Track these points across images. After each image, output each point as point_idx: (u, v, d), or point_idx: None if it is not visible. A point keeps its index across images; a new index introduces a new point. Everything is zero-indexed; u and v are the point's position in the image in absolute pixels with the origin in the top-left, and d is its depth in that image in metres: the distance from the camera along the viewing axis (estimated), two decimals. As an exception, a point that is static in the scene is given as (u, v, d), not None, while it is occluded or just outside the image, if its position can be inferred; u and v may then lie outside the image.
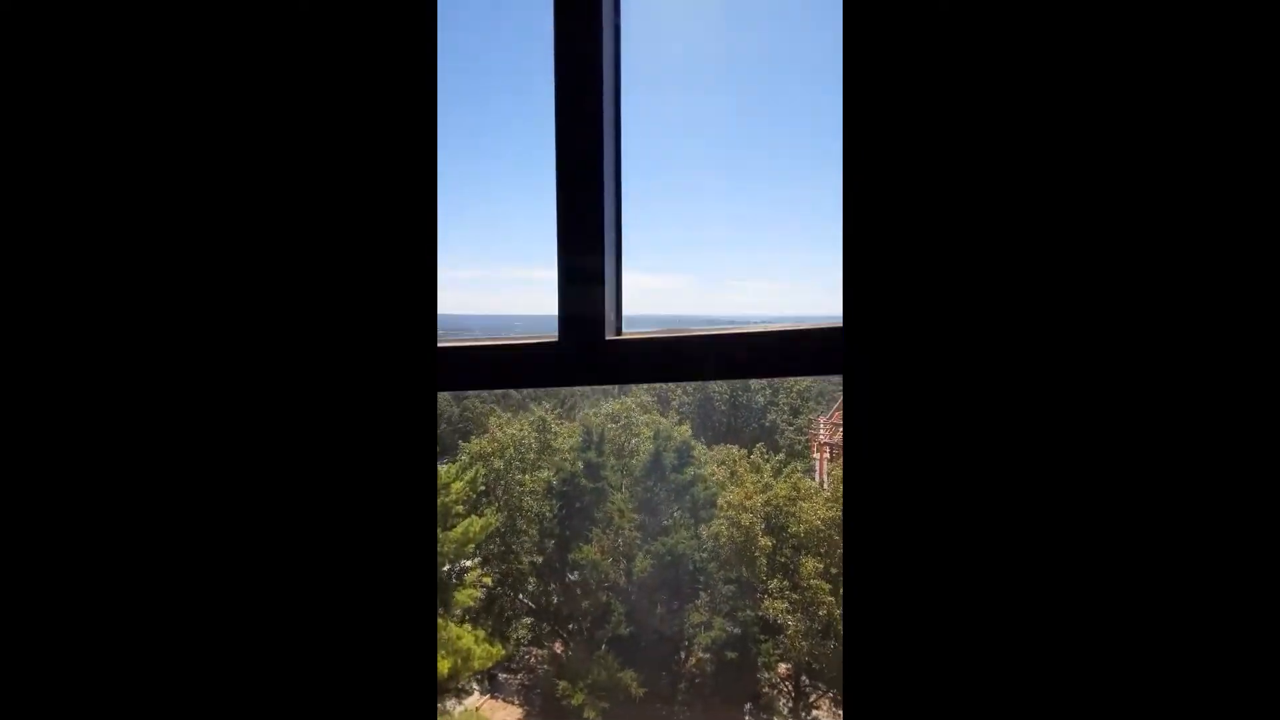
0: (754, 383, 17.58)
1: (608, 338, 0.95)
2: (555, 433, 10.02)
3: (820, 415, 17.07)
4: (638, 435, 9.64)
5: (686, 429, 10.70)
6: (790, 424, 17.34)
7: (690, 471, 8.47)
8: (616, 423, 9.76)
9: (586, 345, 0.94)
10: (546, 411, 10.86)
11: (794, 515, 8.83)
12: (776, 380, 18.26)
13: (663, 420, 10.45)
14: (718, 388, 17.55)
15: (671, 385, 17.38)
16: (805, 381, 19.94)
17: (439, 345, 0.86)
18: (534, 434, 9.60)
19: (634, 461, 8.90)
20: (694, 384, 17.52)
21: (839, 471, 14.32)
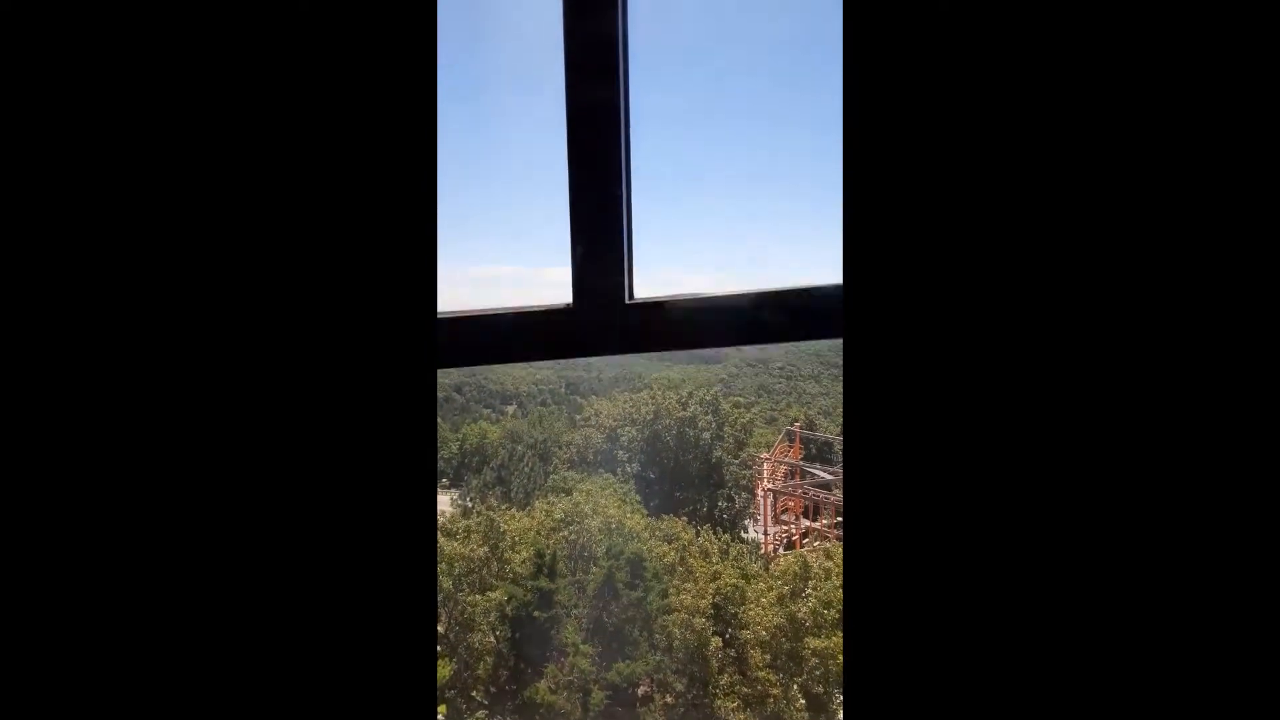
0: (700, 419, 17.84)
1: (627, 302, 0.90)
2: (504, 532, 9.92)
3: (763, 452, 17.57)
4: (589, 536, 9.70)
5: (639, 516, 10.82)
6: (734, 458, 17.81)
7: (641, 589, 8.63)
8: (569, 527, 9.76)
9: (605, 310, 0.89)
10: (495, 508, 10.71)
11: (742, 616, 9.20)
12: (721, 414, 18.57)
13: (614, 511, 10.52)
14: (665, 423, 17.72)
15: (626, 426, 17.41)
16: (748, 415, 20.38)
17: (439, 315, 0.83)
18: (484, 547, 9.48)
19: (588, 577, 8.97)
20: (643, 424, 17.65)
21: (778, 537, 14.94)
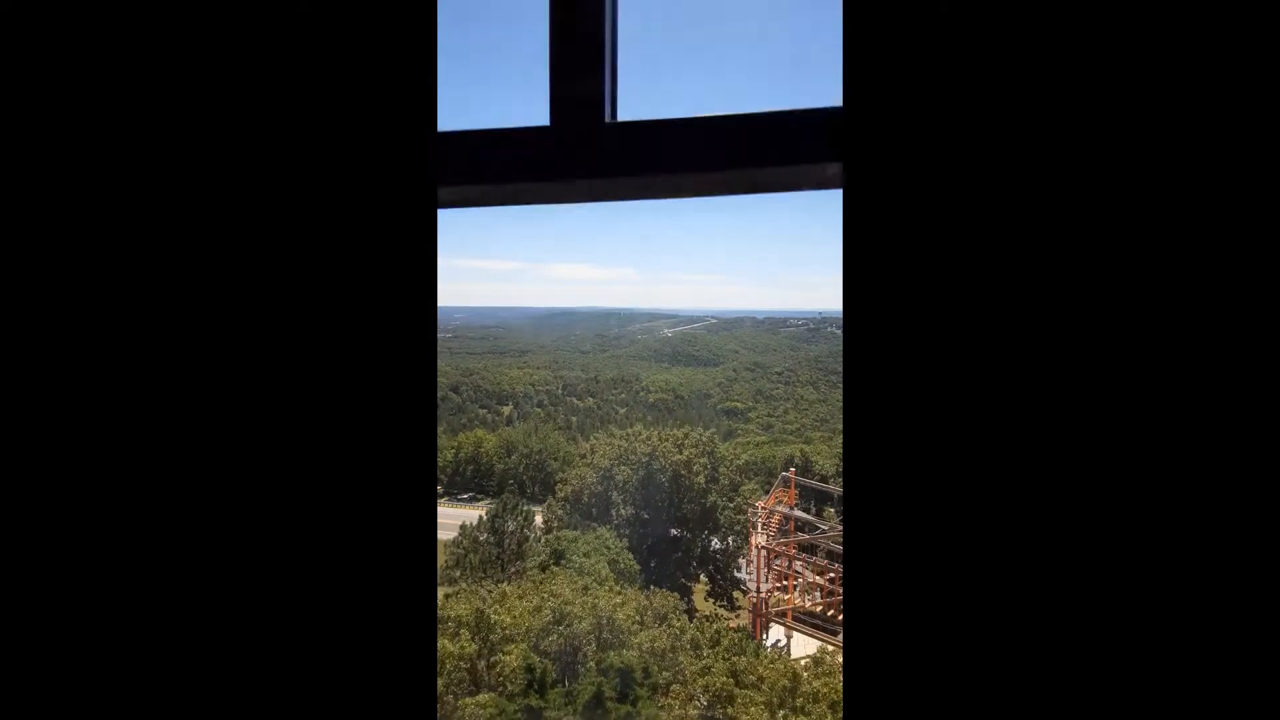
0: (694, 463, 17.73)
1: (606, 121, 0.82)
2: (494, 624, 9.90)
3: (759, 500, 17.55)
4: (580, 639, 9.69)
5: (631, 603, 10.81)
6: (729, 503, 17.79)
7: (629, 702, 8.67)
8: (559, 629, 9.74)
9: (583, 131, 0.82)
10: (486, 599, 10.68)
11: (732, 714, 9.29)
12: (715, 457, 18.46)
13: (601, 598, 10.50)
14: (658, 465, 17.60)
15: (619, 476, 17.26)
16: (744, 457, 20.32)
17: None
18: (473, 646, 9.46)
19: (578, 688, 8.99)
20: (638, 467, 17.51)
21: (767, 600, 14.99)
